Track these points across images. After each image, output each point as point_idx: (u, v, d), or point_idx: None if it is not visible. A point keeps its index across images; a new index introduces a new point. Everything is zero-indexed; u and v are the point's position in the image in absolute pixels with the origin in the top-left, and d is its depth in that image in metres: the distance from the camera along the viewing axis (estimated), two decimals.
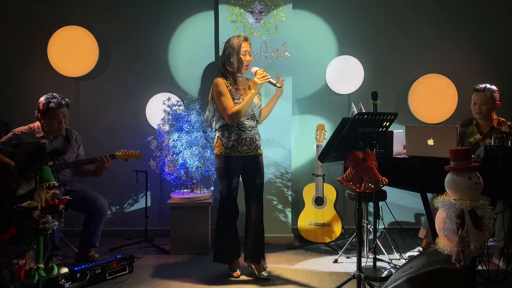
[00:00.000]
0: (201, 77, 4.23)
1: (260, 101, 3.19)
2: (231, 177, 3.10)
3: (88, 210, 3.37)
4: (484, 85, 3.40)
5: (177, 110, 3.80)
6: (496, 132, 3.32)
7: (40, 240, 2.50)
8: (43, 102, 3.27)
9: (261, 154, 3.20)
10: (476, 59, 4.36)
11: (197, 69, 4.23)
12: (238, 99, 3.04)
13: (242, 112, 3.00)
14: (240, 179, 3.21)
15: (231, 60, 3.07)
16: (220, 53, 3.92)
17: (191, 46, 4.22)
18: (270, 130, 3.92)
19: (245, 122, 3.08)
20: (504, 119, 3.45)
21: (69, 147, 3.42)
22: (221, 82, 3.06)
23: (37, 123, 3.36)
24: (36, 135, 3.30)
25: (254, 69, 3.09)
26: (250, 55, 3.12)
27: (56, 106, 3.26)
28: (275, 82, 3.02)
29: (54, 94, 3.32)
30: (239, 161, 3.09)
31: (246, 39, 3.11)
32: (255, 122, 3.16)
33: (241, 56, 3.07)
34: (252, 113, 3.10)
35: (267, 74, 3.01)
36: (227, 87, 3.05)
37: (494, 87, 3.40)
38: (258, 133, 3.20)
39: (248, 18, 3.96)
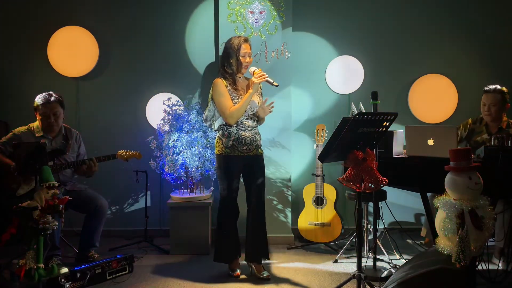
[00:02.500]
0: (201, 77, 4.23)
1: (260, 101, 3.19)
2: (231, 177, 3.10)
3: (88, 210, 3.37)
4: (494, 86, 3.36)
5: (177, 110, 3.80)
6: (503, 133, 3.29)
7: (40, 240, 2.50)
8: (35, 99, 3.31)
9: (261, 154, 3.19)
10: (476, 59, 4.35)
11: (197, 69, 4.23)
12: (237, 99, 3.04)
13: (240, 111, 3.01)
14: (241, 179, 3.21)
15: (230, 61, 3.08)
16: (220, 53, 3.92)
17: (191, 46, 4.23)
18: (270, 130, 3.92)
19: (245, 122, 3.08)
20: None
21: (68, 147, 3.42)
22: (220, 82, 3.07)
23: (36, 122, 3.37)
24: (36, 135, 3.30)
25: (251, 69, 3.09)
26: (249, 57, 3.12)
27: (43, 101, 3.27)
28: (272, 81, 3.02)
29: (49, 92, 3.33)
30: (240, 161, 3.09)
31: (246, 40, 3.11)
32: (255, 122, 3.16)
33: (240, 58, 3.06)
34: (252, 113, 3.10)
35: (265, 73, 3.02)
36: (226, 87, 3.06)
37: (504, 88, 3.36)
38: (259, 133, 3.20)
39: (248, 18, 3.96)
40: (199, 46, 4.21)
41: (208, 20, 4.19)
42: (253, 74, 3.04)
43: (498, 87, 3.36)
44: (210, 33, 4.18)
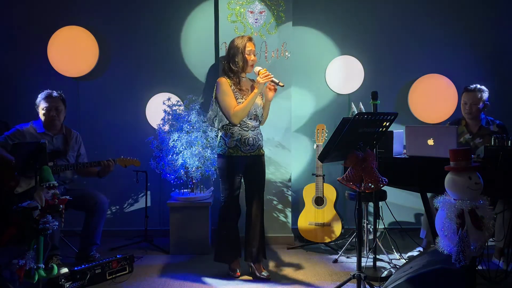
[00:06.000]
0: (200, 77, 4.23)
1: (262, 101, 3.18)
2: (233, 177, 3.09)
3: (88, 207, 3.36)
4: (474, 86, 3.47)
5: (177, 110, 3.80)
6: (485, 131, 3.39)
7: (40, 240, 2.50)
8: (38, 96, 3.40)
9: (263, 154, 3.19)
10: (475, 59, 4.35)
11: (197, 69, 4.23)
12: (241, 99, 3.04)
13: (244, 111, 3.00)
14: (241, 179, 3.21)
15: (236, 59, 3.07)
16: (220, 53, 3.93)
17: (190, 46, 4.22)
18: (270, 130, 3.92)
19: (248, 122, 3.08)
20: (492, 118, 3.49)
21: (67, 148, 3.43)
22: (224, 81, 3.07)
23: (39, 120, 3.40)
24: (37, 131, 3.33)
25: (257, 68, 3.09)
26: (254, 55, 3.12)
27: (46, 96, 3.37)
28: (277, 81, 3.02)
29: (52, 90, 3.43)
30: (242, 161, 3.09)
31: (250, 39, 3.11)
32: (258, 122, 3.16)
33: (246, 55, 3.07)
34: (254, 113, 3.10)
35: (270, 73, 3.01)
36: (230, 86, 3.06)
37: (484, 88, 3.46)
38: (261, 133, 3.20)
39: (248, 18, 3.96)
40: (199, 46, 4.21)
41: (208, 20, 4.18)
42: (258, 74, 3.04)
43: (479, 86, 3.46)
44: (210, 33, 4.18)
